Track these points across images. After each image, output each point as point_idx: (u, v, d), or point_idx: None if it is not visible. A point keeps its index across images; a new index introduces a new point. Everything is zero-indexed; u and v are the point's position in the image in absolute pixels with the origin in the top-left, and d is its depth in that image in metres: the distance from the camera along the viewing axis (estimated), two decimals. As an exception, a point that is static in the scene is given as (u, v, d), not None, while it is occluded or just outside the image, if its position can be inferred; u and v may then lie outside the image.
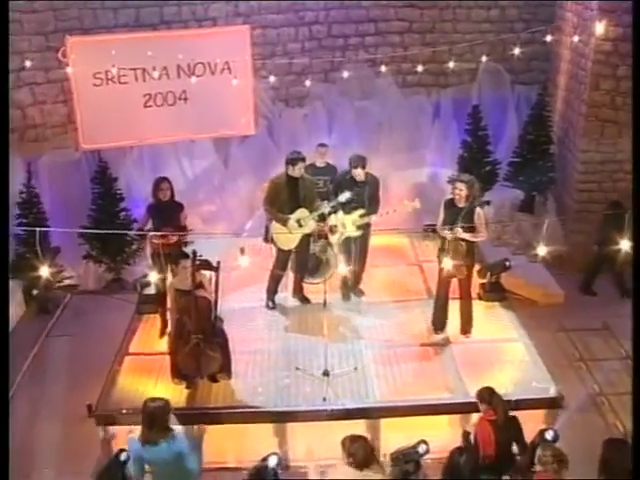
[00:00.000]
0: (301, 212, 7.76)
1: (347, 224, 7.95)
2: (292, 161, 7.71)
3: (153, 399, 5.51)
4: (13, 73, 9.71)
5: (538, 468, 4.99)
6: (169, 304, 7.21)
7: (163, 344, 7.45)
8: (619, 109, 9.50)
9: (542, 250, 6.09)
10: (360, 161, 7.85)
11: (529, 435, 5.89)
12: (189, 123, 10.26)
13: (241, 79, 10.05)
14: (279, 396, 6.85)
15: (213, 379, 6.96)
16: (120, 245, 9.83)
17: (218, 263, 6.75)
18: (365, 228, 8.04)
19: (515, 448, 5.79)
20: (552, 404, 6.78)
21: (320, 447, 6.63)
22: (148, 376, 7.20)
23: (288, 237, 7.82)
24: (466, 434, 5.97)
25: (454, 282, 7.54)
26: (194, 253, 6.65)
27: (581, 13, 10.01)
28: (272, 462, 5.32)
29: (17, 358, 8.19)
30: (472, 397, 6.21)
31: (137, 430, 5.48)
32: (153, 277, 6.78)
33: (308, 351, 7.45)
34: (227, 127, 10.60)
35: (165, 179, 7.94)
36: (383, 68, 10.97)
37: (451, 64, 10.46)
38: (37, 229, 6.44)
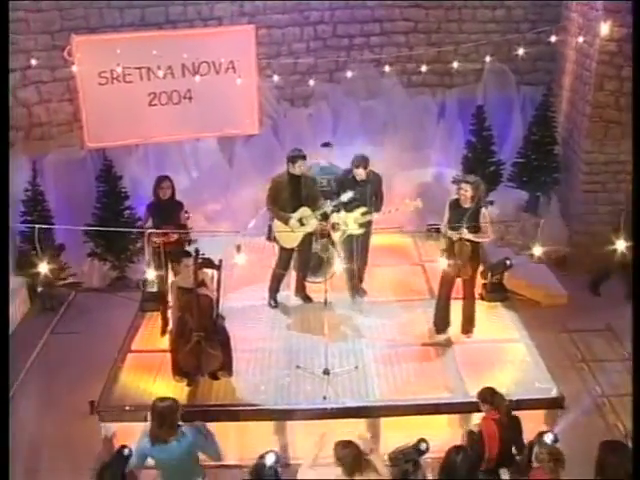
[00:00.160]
0: (303, 211, 7.78)
1: (349, 222, 7.97)
2: (292, 158, 7.73)
3: (162, 399, 5.52)
4: (19, 71, 9.80)
5: (534, 466, 4.99)
6: (171, 302, 7.24)
7: (165, 341, 7.47)
8: (623, 110, 9.47)
9: (538, 250, 6.08)
10: (362, 161, 7.85)
11: (529, 436, 5.87)
12: (194, 122, 10.28)
13: (245, 78, 10.07)
14: (279, 394, 6.87)
15: (214, 377, 6.99)
16: (124, 243, 9.88)
17: (220, 261, 6.79)
18: (367, 226, 8.05)
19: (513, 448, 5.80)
20: (553, 405, 6.77)
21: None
22: (150, 373, 7.23)
23: (290, 236, 7.85)
24: (471, 433, 5.94)
25: (456, 283, 7.55)
26: (197, 251, 6.68)
27: (586, 14, 9.99)
28: (270, 460, 5.33)
29: (21, 355, 8.27)
30: (472, 397, 6.23)
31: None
32: (151, 275, 6.79)
33: (309, 350, 7.47)
34: (231, 126, 10.60)
35: (166, 178, 7.96)
36: (388, 68, 11.00)
37: (456, 64, 10.46)
38: (36, 226, 6.45)
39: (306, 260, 8.26)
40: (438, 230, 7.85)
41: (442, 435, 6.50)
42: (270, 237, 8.09)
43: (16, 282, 9.17)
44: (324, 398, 6.74)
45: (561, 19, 11.01)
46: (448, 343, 7.60)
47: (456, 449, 5.17)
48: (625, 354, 8.17)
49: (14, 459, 6.19)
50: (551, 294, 9.39)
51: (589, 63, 9.87)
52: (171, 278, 7.43)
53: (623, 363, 8.04)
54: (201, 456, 5.65)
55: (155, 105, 10.10)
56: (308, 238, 8.04)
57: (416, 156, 11.48)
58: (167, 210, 7.81)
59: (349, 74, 10.75)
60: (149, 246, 7.37)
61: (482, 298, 8.26)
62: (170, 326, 7.32)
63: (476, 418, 6.23)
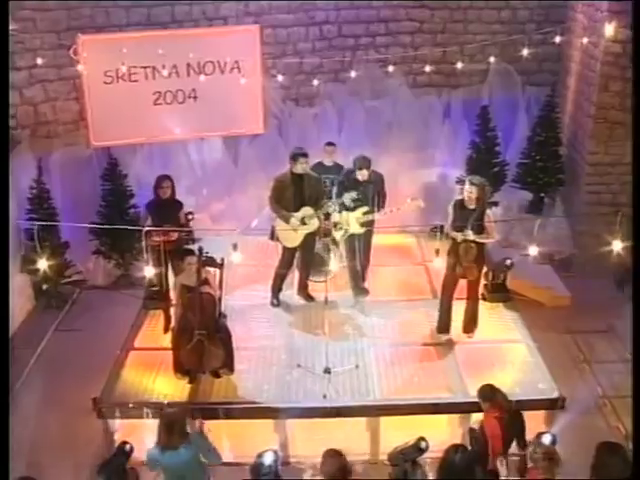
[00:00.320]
0: (305, 210, 7.81)
1: (351, 221, 7.99)
2: (294, 157, 7.77)
3: (171, 404, 5.52)
4: (25, 70, 9.84)
5: (529, 465, 4.99)
6: (174, 300, 7.28)
7: (168, 339, 7.49)
8: (628, 111, 9.44)
9: (534, 250, 6.07)
10: (364, 163, 7.87)
11: (530, 437, 5.87)
12: (198, 121, 10.30)
13: (250, 78, 10.09)
14: (280, 392, 6.91)
15: (215, 374, 7.03)
16: (129, 241, 9.89)
17: (222, 260, 6.83)
18: (369, 225, 8.07)
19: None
20: (553, 405, 6.78)
21: (320, 444, 6.65)
22: (152, 371, 7.28)
23: (292, 235, 7.88)
24: (473, 431, 5.95)
25: (458, 285, 7.55)
26: (200, 250, 6.72)
27: (591, 15, 9.96)
28: (269, 458, 5.34)
29: (25, 351, 8.32)
30: (472, 397, 6.24)
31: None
32: (149, 273, 6.84)
33: (310, 348, 7.50)
34: (236, 126, 10.62)
35: (167, 177, 8.00)
36: (393, 68, 10.99)
37: (461, 65, 10.46)
38: (36, 223, 6.50)
39: (308, 259, 8.28)
40: (442, 231, 7.84)
41: (442, 435, 6.52)
42: (273, 236, 8.12)
43: (21, 280, 9.22)
44: (324, 397, 6.76)
45: (566, 20, 10.98)
46: (450, 343, 7.62)
47: (454, 448, 5.16)
48: (627, 355, 8.15)
49: (17, 455, 6.22)
50: (555, 295, 9.36)
51: (594, 64, 9.84)
52: (171, 277, 7.46)
53: (624, 364, 8.00)
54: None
55: (160, 104, 10.13)
56: (311, 237, 8.07)
57: (421, 156, 11.47)
58: (167, 209, 7.85)
59: (354, 74, 10.78)
60: (148, 244, 7.40)
61: (484, 298, 8.27)
62: (173, 324, 7.36)
63: (477, 417, 6.24)
